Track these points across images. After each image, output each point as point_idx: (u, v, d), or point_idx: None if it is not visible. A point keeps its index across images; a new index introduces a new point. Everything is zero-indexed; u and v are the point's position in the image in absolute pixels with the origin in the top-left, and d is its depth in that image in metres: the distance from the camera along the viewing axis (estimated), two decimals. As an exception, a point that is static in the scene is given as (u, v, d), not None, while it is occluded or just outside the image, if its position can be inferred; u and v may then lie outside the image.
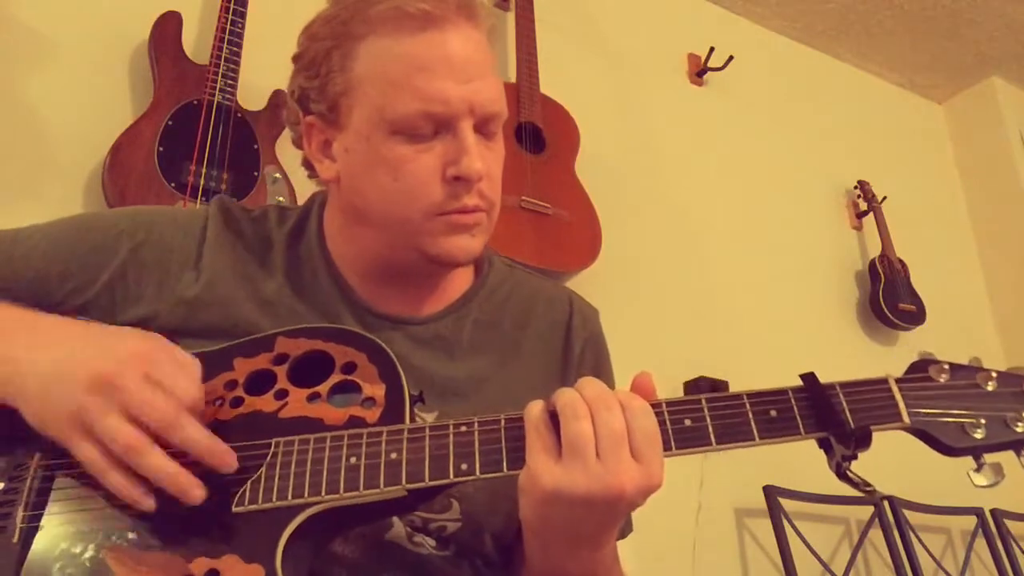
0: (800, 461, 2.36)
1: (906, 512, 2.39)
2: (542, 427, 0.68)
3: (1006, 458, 0.71)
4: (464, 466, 0.70)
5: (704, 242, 2.67)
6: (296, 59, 0.90)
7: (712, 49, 2.81)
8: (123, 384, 0.68)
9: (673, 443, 0.70)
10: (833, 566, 2.25)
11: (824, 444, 0.70)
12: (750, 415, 0.70)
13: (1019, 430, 0.69)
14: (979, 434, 0.69)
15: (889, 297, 2.84)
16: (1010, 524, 2.59)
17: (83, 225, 0.92)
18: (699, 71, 2.86)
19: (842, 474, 0.67)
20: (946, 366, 0.72)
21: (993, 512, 2.58)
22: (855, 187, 3.07)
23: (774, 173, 2.93)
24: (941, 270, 3.13)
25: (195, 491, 0.69)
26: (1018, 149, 3.34)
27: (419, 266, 0.88)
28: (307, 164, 0.94)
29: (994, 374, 0.71)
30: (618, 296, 2.35)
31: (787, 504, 2.20)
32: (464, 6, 0.84)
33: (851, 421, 0.69)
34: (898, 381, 0.72)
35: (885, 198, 3.01)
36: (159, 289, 0.88)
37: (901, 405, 0.70)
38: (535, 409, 0.69)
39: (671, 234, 2.60)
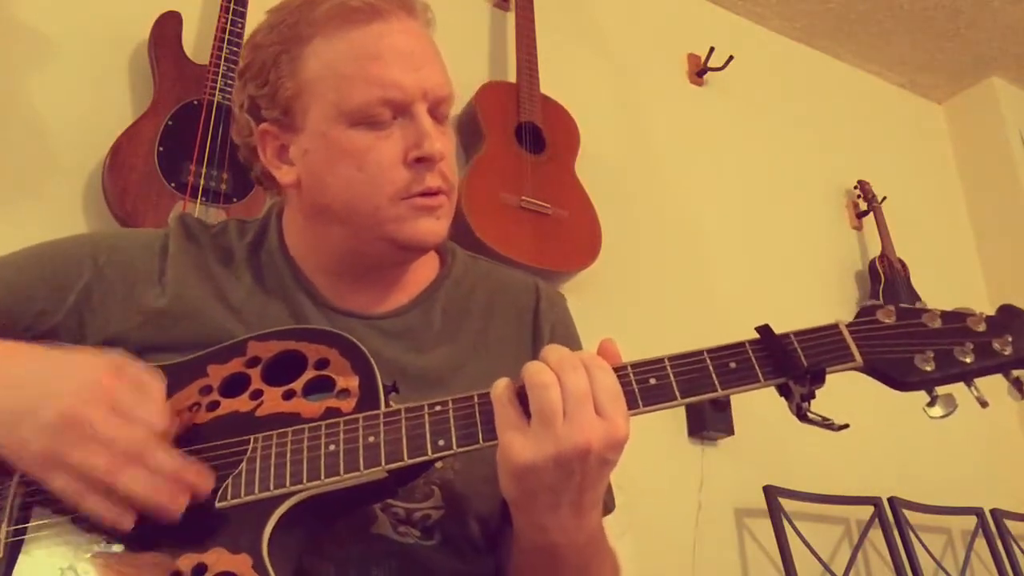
0: (800, 461, 2.37)
1: (906, 512, 2.39)
2: (507, 402, 0.71)
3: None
4: (441, 442, 0.72)
5: (704, 242, 2.67)
6: (242, 72, 0.92)
7: (712, 49, 2.81)
8: (91, 421, 0.68)
9: (640, 401, 0.72)
10: (833, 566, 2.25)
11: (784, 391, 0.73)
12: (711, 368, 0.74)
13: (967, 360, 0.71)
14: (928, 367, 0.71)
15: (889, 297, 2.84)
16: (1010, 524, 2.59)
17: (46, 252, 0.93)
18: (699, 71, 2.87)
19: (803, 415, 0.71)
20: (892, 308, 0.76)
21: (993, 512, 2.58)
22: (855, 187, 3.07)
23: (774, 173, 2.93)
24: (941, 270, 3.13)
25: (175, 506, 0.69)
26: (1018, 149, 3.34)
27: (387, 256, 0.90)
28: (262, 176, 0.95)
29: (938, 312, 0.75)
30: (618, 296, 2.35)
31: (787, 504, 2.20)
32: (404, 3, 0.88)
33: (805, 363, 0.72)
34: (848, 325, 0.75)
35: (885, 198, 3.02)
36: (125, 307, 0.88)
37: (852, 346, 0.73)
38: (500, 385, 0.72)
39: (671, 234, 2.60)
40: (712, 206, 2.73)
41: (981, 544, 2.52)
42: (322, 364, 0.79)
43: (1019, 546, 2.57)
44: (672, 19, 2.92)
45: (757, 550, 2.33)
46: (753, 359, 0.73)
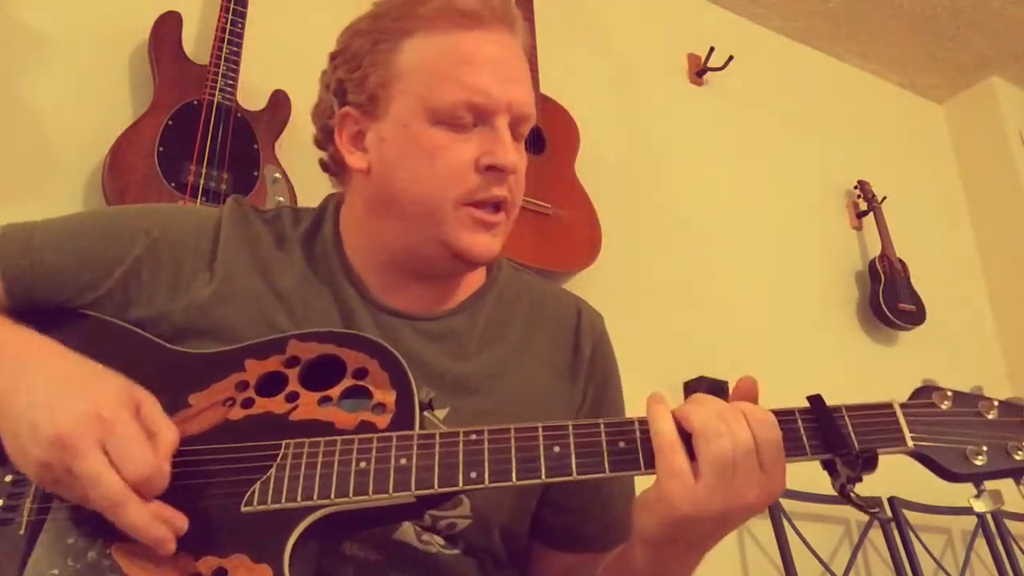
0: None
1: (906, 512, 2.39)
2: (678, 448, 0.68)
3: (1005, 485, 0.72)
4: (473, 474, 0.71)
5: (704, 242, 2.67)
6: (335, 55, 0.93)
7: (712, 49, 2.81)
8: (77, 453, 0.67)
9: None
10: (833, 566, 2.25)
11: (828, 465, 0.71)
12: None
13: (1019, 458, 0.70)
14: (980, 461, 0.70)
15: (889, 297, 2.84)
16: (1010, 524, 2.59)
17: (99, 221, 0.93)
18: (699, 71, 2.86)
19: (847, 495, 0.69)
20: (949, 393, 0.74)
21: (993, 512, 2.58)
22: (855, 187, 3.07)
23: (774, 173, 2.93)
24: (941, 270, 3.13)
25: (167, 546, 0.68)
26: (1018, 149, 3.34)
27: (439, 261, 0.90)
28: (331, 161, 0.95)
29: (995, 403, 0.73)
30: (618, 296, 2.34)
31: (787, 504, 2.20)
32: (508, 16, 0.90)
33: (856, 444, 0.70)
34: (902, 406, 0.74)
35: (885, 198, 3.01)
36: (172, 288, 0.88)
37: (905, 429, 0.72)
38: (668, 427, 0.70)
39: (671, 234, 2.60)
40: (712, 206, 2.73)
41: (981, 544, 2.52)
42: (361, 374, 0.78)
43: (1019, 546, 2.57)
44: (672, 19, 2.92)
45: (757, 550, 2.33)
46: (802, 430, 0.72)
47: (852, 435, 0.71)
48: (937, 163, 3.50)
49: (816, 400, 0.73)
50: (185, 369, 0.81)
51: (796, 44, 3.24)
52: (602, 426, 0.73)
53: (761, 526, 2.27)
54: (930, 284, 2.96)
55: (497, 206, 0.87)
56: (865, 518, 2.36)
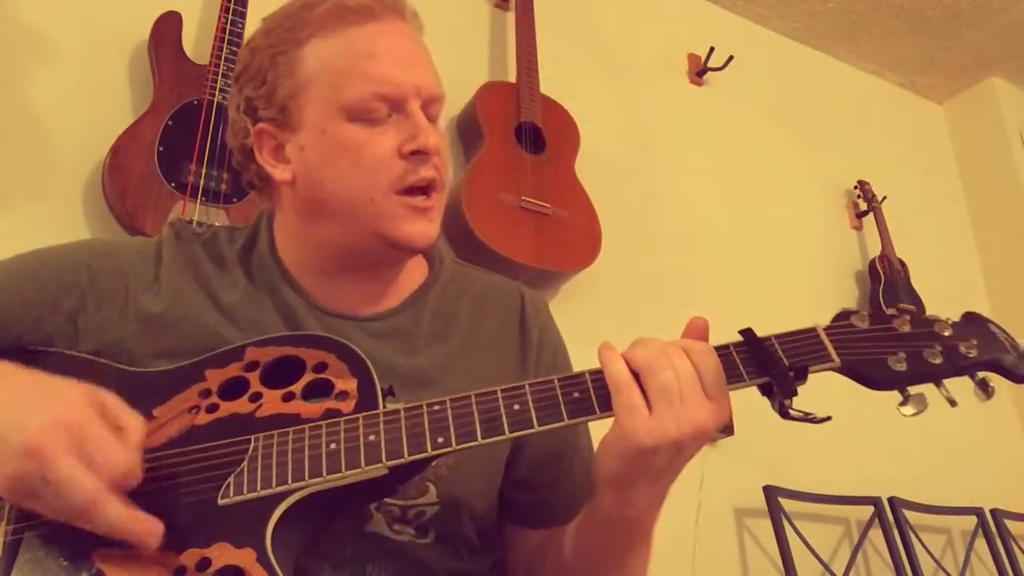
0: (800, 461, 2.37)
1: (906, 512, 2.39)
2: (632, 384, 0.73)
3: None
4: (440, 439, 0.74)
5: (704, 242, 2.67)
6: (239, 75, 0.94)
7: (712, 49, 2.81)
8: (50, 459, 0.66)
9: None
10: (833, 566, 2.25)
11: (766, 390, 0.76)
12: None
13: (936, 362, 0.76)
14: (901, 367, 0.76)
15: (889, 297, 2.84)
16: (1010, 524, 2.59)
17: (40, 259, 0.93)
18: (699, 71, 2.86)
19: (785, 413, 0.74)
20: (866, 313, 0.80)
21: (993, 512, 2.58)
22: (855, 187, 3.07)
23: (774, 173, 2.93)
24: (941, 270, 3.13)
25: (151, 540, 0.68)
26: (1018, 149, 3.34)
27: (379, 254, 0.92)
28: (256, 178, 0.96)
29: (908, 317, 0.80)
30: (618, 296, 2.35)
31: (787, 504, 2.20)
32: (397, 6, 0.92)
33: (787, 362, 0.76)
34: (826, 329, 0.79)
35: (885, 198, 3.02)
36: (121, 314, 0.88)
37: (830, 348, 0.77)
38: (620, 367, 0.74)
39: (671, 234, 2.60)
40: (712, 206, 2.73)
41: (981, 544, 2.52)
42: (320, 368, 0.80)
43: (1019, 546, 2.57)
44: (672, 19, 2.92)
45: (757, 550, 2.33)
46: (738, 360, 0.77)
47: (783, 358, 0.76)
48: (937, 163, 3.50)
49: (747, 332, 0.78)
50: (146, 386, 0.82)
51: (796, 44, 3.24)
52: (556, 381, 0.77)
53: (761, 526, 2.27)
54: (930, 284, 2.96)
55: (426, 189, 0.89)
56: (865, 518, 2.36)
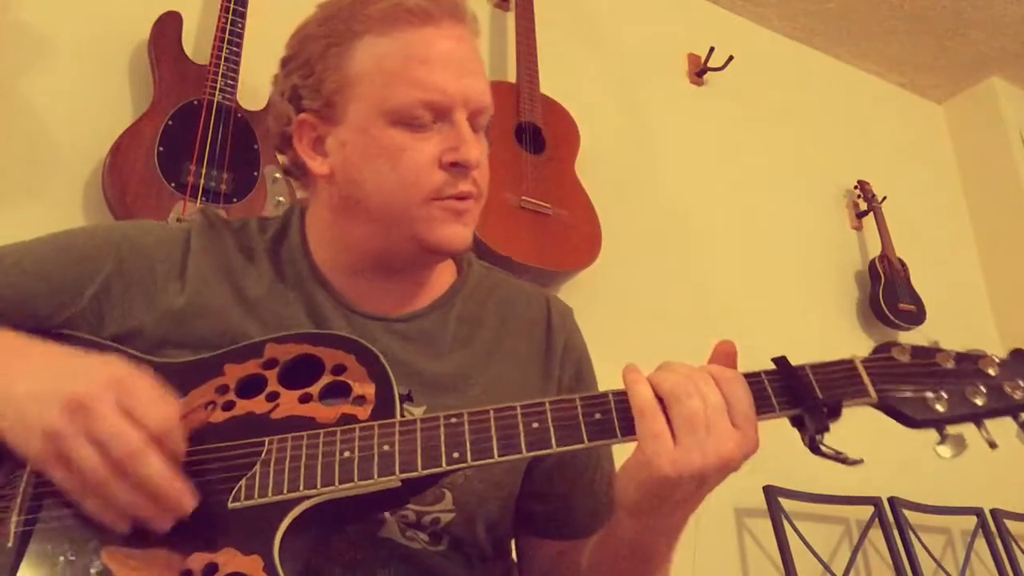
0: (800, 461, 2.36)
1: (906, 512, 2.39)
2: (657, 411, 0.70)
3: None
4: (456, 454, 0.72)
5: (704, 242, 2.67)
6: (287, 61, 0.93)
7: (712, 49, 2.81)
8: (96, 410, 0.68)
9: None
10: (833, 566, 2.25)
11: (797, 422, 0.73)
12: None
13: (978, 403, 0.73)
14: (941, 407, 0.73)
15: (889, 297, 2.84)
16: (1010, 524, 2.59)
17: (66, 241, 0.92)
18: (699, 71, 2.86)
19: (816, 448, 0.71)
20: (907, 347, 0.77)
21: (993, 512, 2.58)
22: (855, 187, 3.07)
23: (774, 173, 2.93)
24: (941, 270, 3.13)
25: (162, 524, 0.69)
26: (1018, 149, 3.34)
27: (412, 257, 0.91)
28: (293, 167, 0.95)
29: (952, 353, 0.76)
30: (618, 296, 2.35)
31: (787, 504, 2.20)
32: (457, 9, 0.89)
33: (821, 395, 0.73)
34: (864, 361, 0.76)
35: (885, 198, 3.02)
36: (145, 302, 0.88)
37: (867, 382, 0.74)
38: (646, 392, 0.72)
39: (671, 234, 2.60)
40: (712, 206, 2.73)
41: (981, 544, 2.52)
42: (339, 369, 0.79)
43: (1019, 546, 2.57)
44: (672, 19, 2.92)
45: (757, 550, 2.33)
46: (770, 389, 0.74)
47: (817, 390, 0.73)
48: (937, 163, 3.50)
49: (781, 360, 0.76)
50: (164, 378, 0.81)
51: (796, 44, 3.24)
52: (578, 400, 0.75)
53: (761, 526, 2.27)
54: (930, 284, 2.96)
55: (463, 199, 0.88)
56: (865, 518, 2.36)
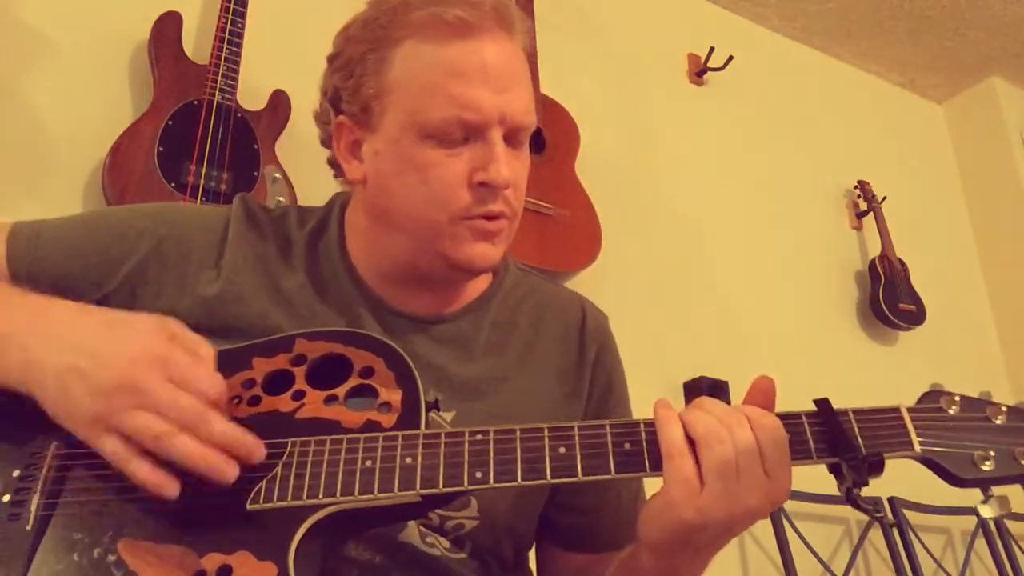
0: (800, 461, 2.37)
1: (906, 512, 2.39)
2: (686, 454, 0.68)
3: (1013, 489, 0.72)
4: (479, 474, 0.71)
5: (704, 242, 2.67)
6: (331, 59, 0.91)
7: (712, 49, 2.81)
8: (147, 388, 0.68)
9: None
10: (833, 566, 2.25)
11: (835, 469, 0.71)
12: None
13: None
14: (987, 466, 0.70)
15: (889, 297, 2.84)
16: (1010, 524, 2.59)
17: (105, 220, 0.92)
18: (699, 71, 2.86)
19: (852, 500, 0.69)
20: (956, 398, 0.73)
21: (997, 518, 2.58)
22: (855, 187, 3.07)
23: (774, 173, 2.93)
24: (941, 270, 3.13)
25: (230, 471, 0.69)
26: (1018, 149, 3.34)
27: (440, 272, 0.89)
28: (334, 163, 0.94)
29: (1004, 408, 0.73)
30: (618, 296, 2.34)
31: (787, 504, 2.20)
32: (501, 16, 0.85)
33: (863, 448, 0.70)
34: (910, 411, 0.73)
35: (885, 198, 3.01)
36: (179, 286, 0.88)
37: (912, 434, 0.71)
38: (677, 433, 0.69)
39: (671, 234, 2.60)
40: (712, 206, 2.73)
41: (981, 544, 2.52)
42: (367, 373, 0.78)
43: (1019, 546, 2.57)
44: (672, 19, 2.92)
45: (757, 550, 2.33)
46: (808, 433, 0.71)
47: (859, 439, 0.70)
48: (937, 163, 3.50)
49: (823, 403, 0.72)
50: None
51: (796, 44, 3.23)
52: (608, 427, 0.73)
53: (761, 526, 2.27)
54: (930, 284, 2.96)
55: (493, 218, 0.86)
56: (865, 518, 2.36)
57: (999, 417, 0.72)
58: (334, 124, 0.90)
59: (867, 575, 2.48)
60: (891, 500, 2.39)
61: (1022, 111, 3.46)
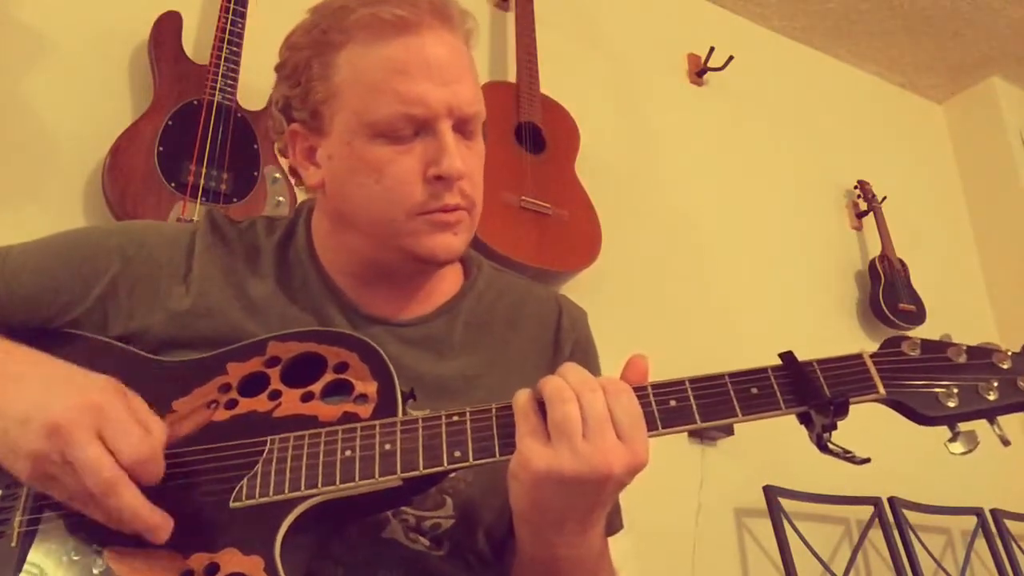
0: (800, 461, 2.37)
1: (906, 512, 2.39)
2: (530, 412, 0.70)
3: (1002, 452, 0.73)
4: (457, 453, 0.72)
5: (704, 242, 2.67)
6: (278, 68, 0.92)
7: (712, 49, 2.81)
8: (73, 437, 0.67)
9: (659, 422, 0.72)
10: (833, 566, 2.25)
11: (804, 419, 0.72)
12: (732, 393, 0.73)
13: (990, 398, 0.71)
14: (952, 403, 0.71)
15: (889, 297, 2.84)
16: (1010, 524, 2.59)
17: (73, 241, 0.92)
18: (699, 71, 2.87)
19: (823, 446, 0.70)
20: (918, 341, 0.75)
21: (993, 512, 2.58)
22: (855, 187, 3.07)
23: (774, 173, 2.93)
24: (941, 270, 3.13)
25: (161, 533, 0.69)
26: (1018, 149, 3.34)
27: (405, 266, 0.90)
28: (293, 172, 0.95)
29: (964, 347, 0.74)
30: (618, 296, 2.35)
31: (787, 504, 2.20)
32: (439, 11, 0.86)
33: (828, 392, 0.71)
34: (873, 356, 0.74)
35: (885, 198, 3.02)
36: (151, 303, 0.88)
37: (876, 378, 0.72)
38: (523, 396, 0.72)
39: (671, 234, 2.60)
40: (712, 206, 2.73)
41: (981, 544, 2.52)
42: (341, 367, 0.79)
43: (1019, 546, 2.57)
44: (672, 19, 2.92)
45: (757, 550, 2.33)
46: (775, 386, 0.73)
47: (824, 386, 0.72)
48: (937, 163, 3.50)
49: (788, 356, 0.74)
50: (168, 377, 0.82)
51: (796, 44, 3.24)
52: None
53: (761, 526, 2.28)
54: (930, 284, 2.96)
55: (451, 208, 0.86)
56: (865, 518, 2.36)
57: (961, 356, 0.74)
58: (288, 133, 0.91)
59: (867, 575, 2.49)
60: (891, 500, 2.39)
61: (1022, 111, 3.46)
